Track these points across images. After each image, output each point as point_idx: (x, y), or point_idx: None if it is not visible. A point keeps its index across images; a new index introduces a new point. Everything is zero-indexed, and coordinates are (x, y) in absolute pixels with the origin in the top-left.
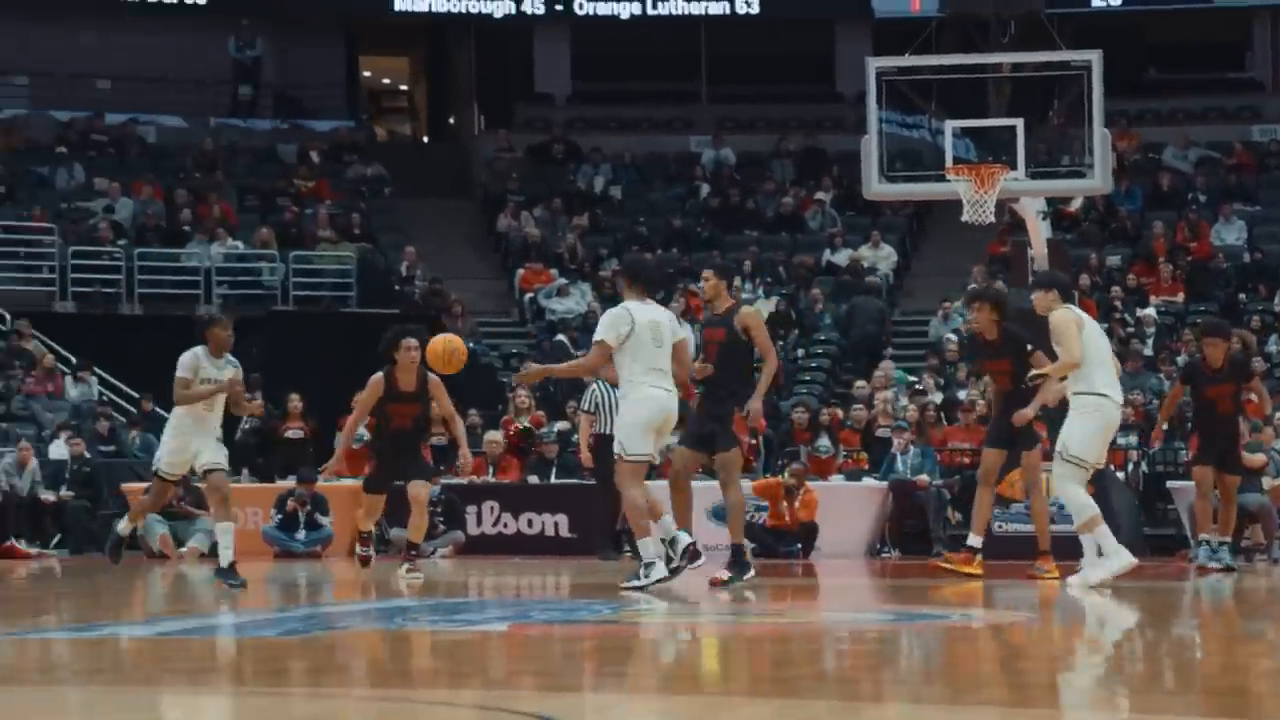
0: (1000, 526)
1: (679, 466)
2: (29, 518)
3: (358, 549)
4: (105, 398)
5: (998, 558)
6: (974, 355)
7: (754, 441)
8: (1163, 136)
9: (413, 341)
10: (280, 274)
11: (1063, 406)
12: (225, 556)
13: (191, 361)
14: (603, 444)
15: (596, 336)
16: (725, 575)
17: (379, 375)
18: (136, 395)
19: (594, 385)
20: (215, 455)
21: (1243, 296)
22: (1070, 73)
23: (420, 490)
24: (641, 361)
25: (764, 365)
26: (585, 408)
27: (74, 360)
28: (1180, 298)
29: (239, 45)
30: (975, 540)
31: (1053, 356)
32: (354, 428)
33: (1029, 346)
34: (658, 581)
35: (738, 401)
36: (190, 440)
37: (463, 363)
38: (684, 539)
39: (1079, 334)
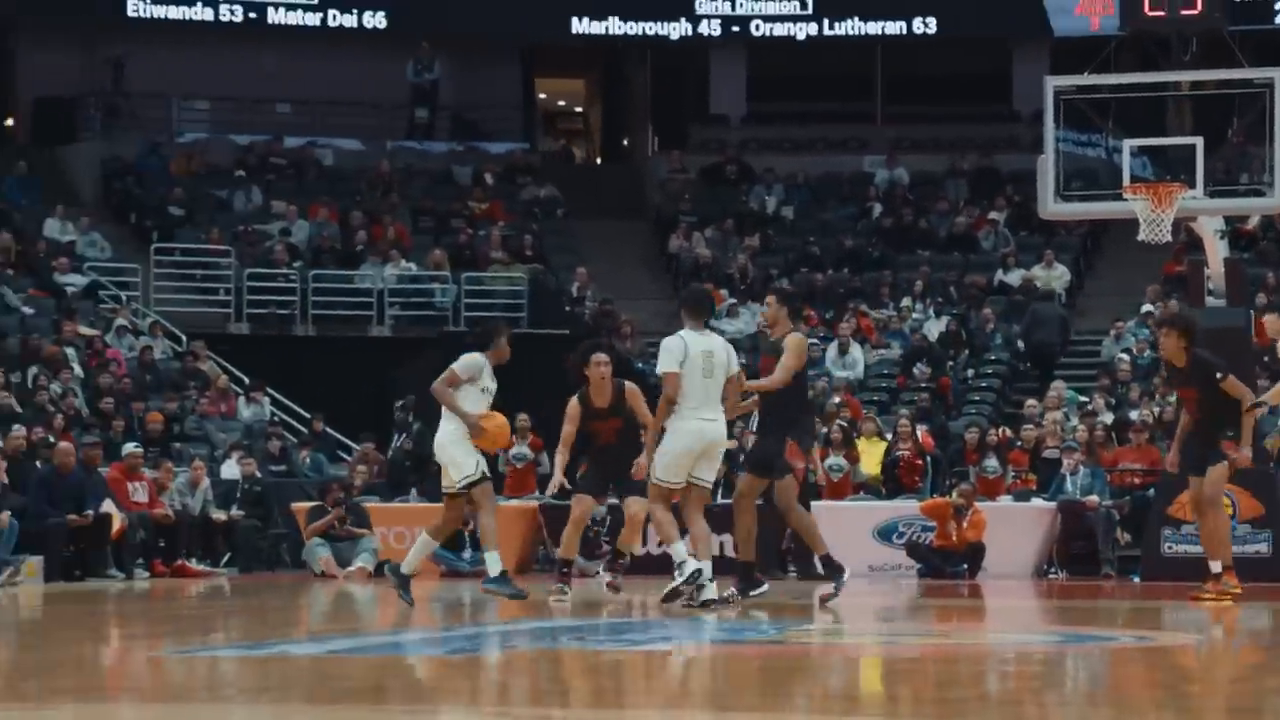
0: (1169, 548)
1: (741, 490)
2: (200, 536)
3: (609, 576)
4: (277, 418)
5: (1165, 578)
6: (1166, 382)
7: (920, 461)
8: None
9: (602, 356)
10: (452, 295)
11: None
12: (409, 565)
13: (477, 364)
14: None
15: (660, 369)
16: (829, 589)
17: (575, 398)
18: (308, 416)
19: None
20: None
21: None
22: (1252, 90)
23: (636, 507)
24: (690, 390)
25: (775, 371)
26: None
27: (247, 381)
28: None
29: (417, 69)
30: (1216, 566)
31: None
32: (565, 451)
33: (1218, 374)
34: (689, 580)
35: (790, 431)
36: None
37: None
38: (691, 565)
39: None
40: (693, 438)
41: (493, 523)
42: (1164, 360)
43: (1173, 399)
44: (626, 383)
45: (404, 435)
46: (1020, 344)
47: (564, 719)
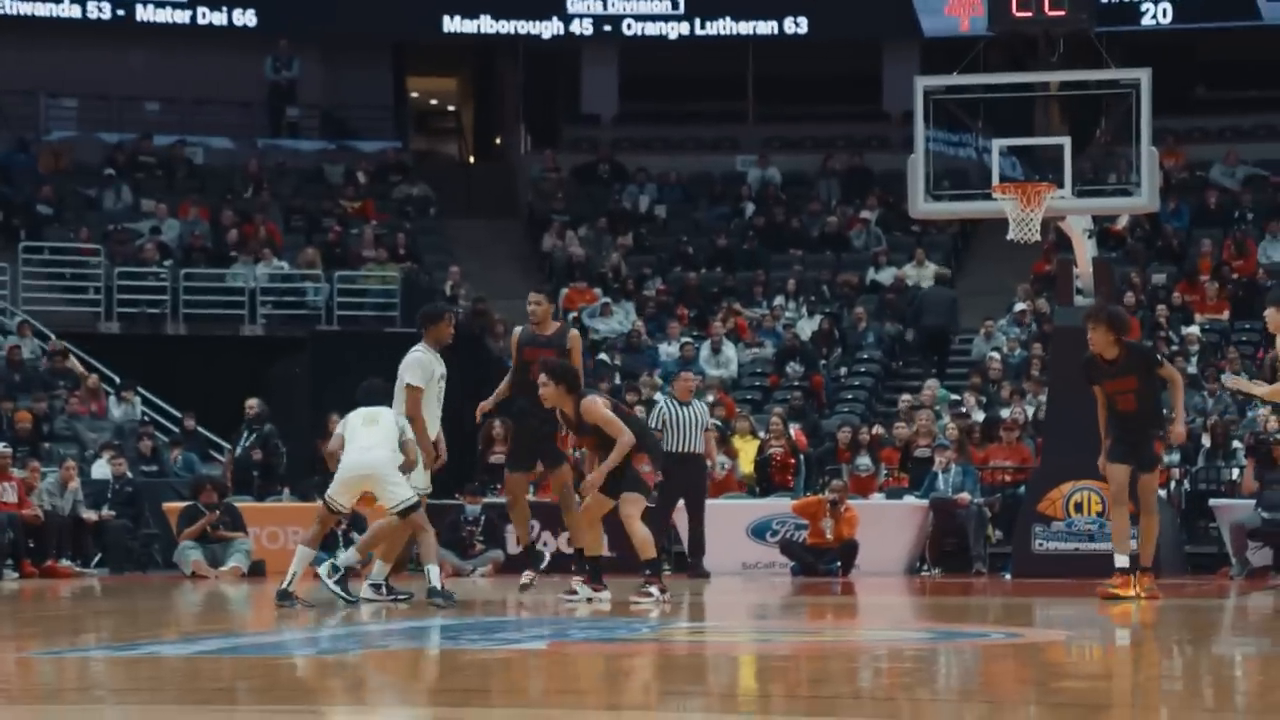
0: (1040, 545)
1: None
2: (70, 537)
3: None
4: (148, 417)
5: (1035, 575)
6: (1092, 377)
7: (793, 460)
8: (1211, 154)
9: (541, 376)
10: (325, 294)
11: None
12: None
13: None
14: (669, 462)
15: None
16: (528, 578)
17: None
18: (179, 415)
19: (661, 403)
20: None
21: None
22: (1118, 91)
23: (627, 507)
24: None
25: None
26: (653, 425)
27: (118, 380)
28: (1225, 315)
29: (275, 66)
30: (1122, 560)
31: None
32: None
33: (1159, 358)
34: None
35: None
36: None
37: None
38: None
39: None
40: None
41: (434, 540)
42: (1092, 356)
43: (1043, 398)
44: (585, 398)
45: (253, 437)
46: (908, 334)
47: (435, 717)
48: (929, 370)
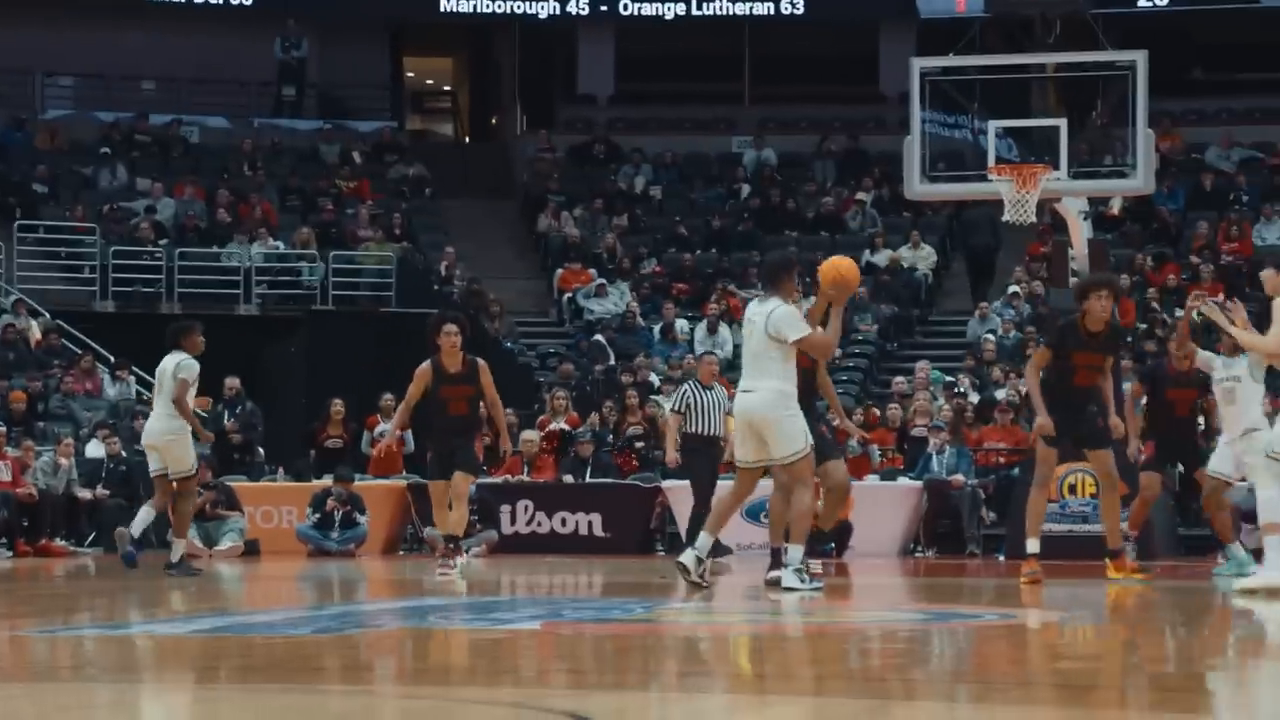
0: (1048, 528)
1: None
2: (64, 516)
3: (440, 561)
4: (144, 396)
5: (1045, 558)
6: (1065, 344)
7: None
8: (1206, 137)
9: (452, 327)
10: (320, 274)
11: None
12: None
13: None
14: (690, 443)
15: (796, 336)
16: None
17: (426, 363)
18: None
19: (685, 385)
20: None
21: None
22: (1115, 73)
23: (461, 484)
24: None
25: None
26: (675, 408)
27: (112, 359)
28: (1220, 298)
29: (285, 46)
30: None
31: None
32: (404, 416)
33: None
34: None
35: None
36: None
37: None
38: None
39: None
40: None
41: (190, 511)
42: (1076, 323)
43: None
44: (479, 359)
45: (233, 414)
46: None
47: (429, 696)
48: (978, 292)
